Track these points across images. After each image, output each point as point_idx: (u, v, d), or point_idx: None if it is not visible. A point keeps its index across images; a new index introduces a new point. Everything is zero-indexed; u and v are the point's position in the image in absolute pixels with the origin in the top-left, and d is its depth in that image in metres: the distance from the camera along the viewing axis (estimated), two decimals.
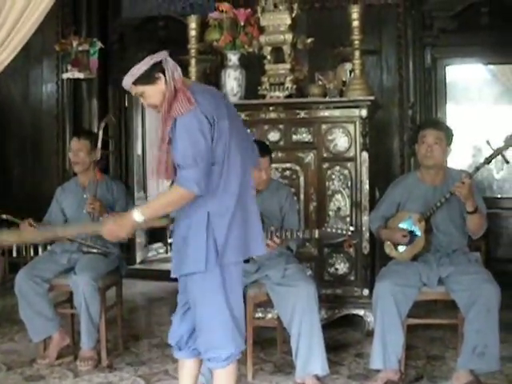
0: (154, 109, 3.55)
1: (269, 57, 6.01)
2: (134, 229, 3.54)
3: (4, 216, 5.50)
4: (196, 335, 3.63)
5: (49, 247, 5.69)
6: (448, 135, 4.83)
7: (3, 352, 5.52)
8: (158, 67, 3.45)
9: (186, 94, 3.38)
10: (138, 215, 3.43)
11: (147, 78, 3.45)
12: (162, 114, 3.46)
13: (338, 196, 5.83)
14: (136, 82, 3.47)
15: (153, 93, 3.48)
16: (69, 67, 8.53)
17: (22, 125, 9.24)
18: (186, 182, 3.34)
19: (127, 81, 3.48)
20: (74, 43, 8.37)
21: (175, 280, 3.75)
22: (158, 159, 3.54)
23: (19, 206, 6.99)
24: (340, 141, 5.81)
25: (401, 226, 4.79)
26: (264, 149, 4.77)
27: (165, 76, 3.45)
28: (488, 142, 4.62)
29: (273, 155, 5.05)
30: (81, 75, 8.47)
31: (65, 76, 8.71)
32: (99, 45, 8.49)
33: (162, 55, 3.48)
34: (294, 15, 5.96)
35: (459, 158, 8.68)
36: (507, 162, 4.73)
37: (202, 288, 3.49)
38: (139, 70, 3.43)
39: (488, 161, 4.61)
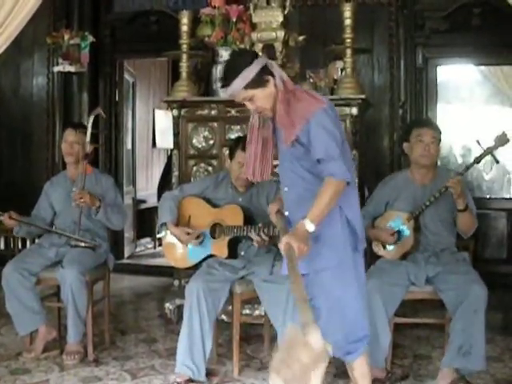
0: (262, 111, 3.57)
1: (260, 53, 5.99)
2: (308, 238, 3.46)
3: None
4: (328, 331, 3.46)
5: (37, 240, 5.66)
6: (440, 135, 4.89)
7: None
8: (267, 70, 3.48)
9: (311, 94, 3.50)
10: (309, 225, 3.41)
11: (258, 82, 3.47)
12: (277, 116, 3.54)
13: None
14: (247, 86, 3.46)
15: (263, 96, 3.50)
16: (60, 60, 8.50)
17: (11, 117, 9.20)
18: (337, 172, 3.42)
19: (238, 85, 3.46)
20: (66, 36, 8.33)
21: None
22: (261, 160, 3.70)
23: (8, 198, 6.98)
24: None
25: (389, 225, 4.81)
26: None
27: (274, 78, 3.49)
28: (478, 142, 4.65)
29: None
30: (72, 68, 8.44)
31: (56, 69, 8.70)
32: (90, 38, 8.47)
33: (265, 59, 3.53)
34: (286, 12, 5.96)
35: (449, 158, 8.72)
36: (497, 162, 4.77)
37: (337, 281, 3.56)
38: (250, 74, 3.44)
39: (478, 160, 4.65)
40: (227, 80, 3.51)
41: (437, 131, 4.88)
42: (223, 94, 6.03)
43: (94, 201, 5.28)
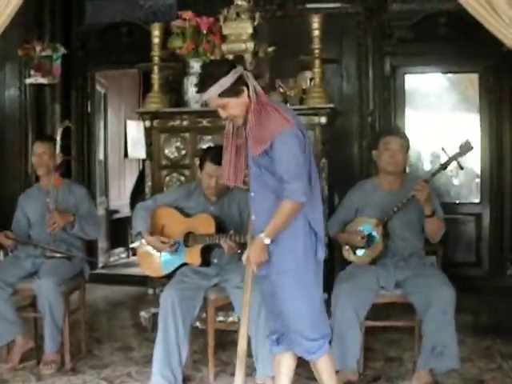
0: (233, 119, 3.73)
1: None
2: (266, 249, 3.72)
3: None
4: (288, 331, 3.88)
5: (12, 252, 5.67)
6: (408, 143, 5.00)
7: None
8: (242, 80, 3.64)
9: (281, 114, 3.61)
10: (265, 239, 3.69)
11: (232, 91, 3.62)
12: (247, 125, 3.67)
13: None
14: (222, 94, 3.62)
15: (236, 105, 3.65)
16: (32, 72, 8.48)
17: None
18: (294, 194, 3.61)
19: (214, 92, 3.62)
20: (37, 48, 8.32)
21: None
22: (235, 165, 3.84)
23: None
24: None
25: (359, 229, 4.91)
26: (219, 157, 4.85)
27: (248, 89, 3.64)
28: (443, 149, 4.76)
29: None
30: (44, 80, 8.44)
31: (28, 81, 8.66)
32: (62, 50, 8.46)
33: (241, 69, 3.67)
34: (255, 24, 6.03)
35: (418, 164, 8.84)
36: (462, 168, 4.90)
37: (297, 283, 3.73)
38: (226, 83, 3.59)
39: (443, 167, 4.76)
40: (204, 86, 3.67)
41: (404, 139, 4.99)
42: (199, 99, 6.12)
43: (68, 218, 5.34)
